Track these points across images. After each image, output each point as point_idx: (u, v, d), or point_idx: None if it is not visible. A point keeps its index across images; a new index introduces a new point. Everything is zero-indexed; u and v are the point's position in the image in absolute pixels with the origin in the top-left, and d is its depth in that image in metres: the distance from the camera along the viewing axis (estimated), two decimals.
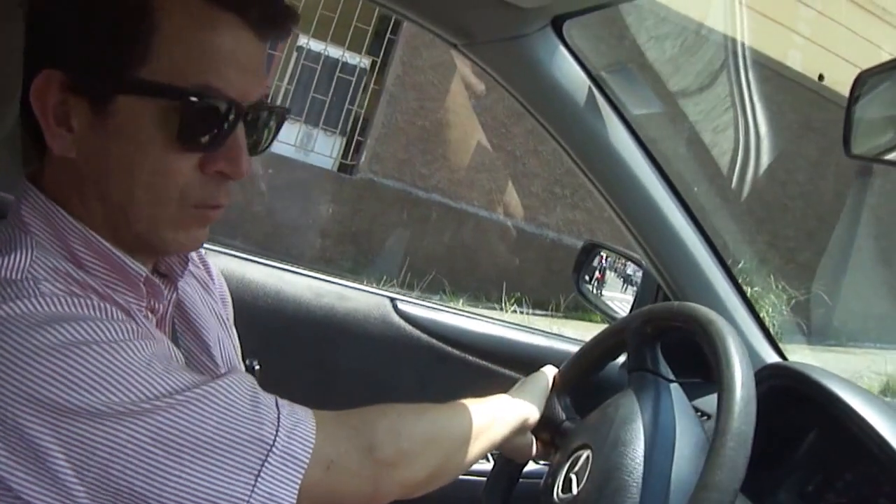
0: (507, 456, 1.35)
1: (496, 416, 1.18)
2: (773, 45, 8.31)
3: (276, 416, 0.86)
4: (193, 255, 1.16)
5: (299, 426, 0.87)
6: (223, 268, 1.71)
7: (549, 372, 1.35)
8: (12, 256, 0.83)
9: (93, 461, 0.76)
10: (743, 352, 1.00)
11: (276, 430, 0.85)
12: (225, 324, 1.18)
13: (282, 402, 0.89)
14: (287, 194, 8.00)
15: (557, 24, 1.36)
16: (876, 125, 1.06)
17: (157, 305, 0.98)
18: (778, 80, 8.15)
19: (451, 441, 1.09)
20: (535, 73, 1.41)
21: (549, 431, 1.29)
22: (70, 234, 0.88)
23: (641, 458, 1.04)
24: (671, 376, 1.17)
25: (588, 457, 1.12)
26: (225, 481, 0.81)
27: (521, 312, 7.68)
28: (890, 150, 1.06)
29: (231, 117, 0.88)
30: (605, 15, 7.27)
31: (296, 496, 0.84)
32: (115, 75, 0.84)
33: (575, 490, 1.10)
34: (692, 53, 7.84)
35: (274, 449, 0.84)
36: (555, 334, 2.01)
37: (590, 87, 1.43)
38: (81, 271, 0.88)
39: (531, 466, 1.43)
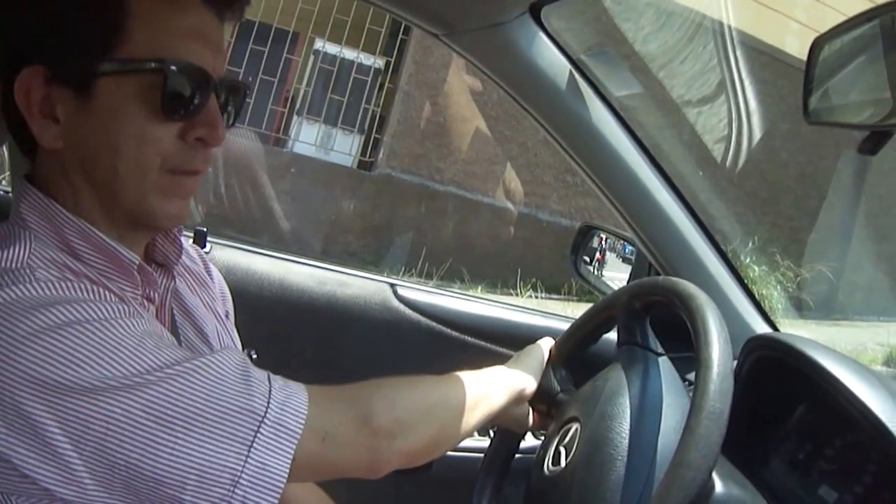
0: (504, 427, 1.34)
1: (493, 386, 1.16)
2: (770, 32, 8.24)
3: (267, 388, 0.86)
4: (191, 251, 1.18)
5: (291, 399, 0.87)
6: (230, 260, 1.73)
7: (545, 344, 1.33)
8: (11, 249, 0.84)
9: (89, 435, 0.76)
10: (721, 328, 0.97)
11: (268, 402, 0.84)
12: (222, 319, 1.18)
13: (274, 377, 0.89)
14: (310, 192, 8.03)
15: (535, 11, 1.33)
16: (834, 89, 1.02)
17: (152, 294, 0.99)
18: (776, 65, 8.08)
19: (448, 410, 1.07)
20: (517, 60, 1.39)
21: (545, 403, 1.27)
22: (66, 227, 0.89)
23: (627, 432, 1.02)
24: (660, 350, 1.15)
25: (577, 430, 1.10)
26: (218, 452, 0.80)
27: (536, 297, 7.68)
28: (847, 112, 1.02)
29: (206, 87, 0.92)
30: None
31: (288, 467, 0.83)
32: (96, 60, 0.86)
33: (563, 463, 1.08)
34: (690, 41, 7.78)
35: (266, 420, 0.83)
36: (550, 313, 1.99)
37: (571, 71, 1.40)
38: (78, 262, 0.89)
39: (529, 442, 1.41)
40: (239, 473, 0.81)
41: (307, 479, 0.90)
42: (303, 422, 0.85)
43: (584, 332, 1.31)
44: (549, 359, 1.31)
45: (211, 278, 1.20)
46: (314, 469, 0.90)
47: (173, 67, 0.88)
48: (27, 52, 0.87)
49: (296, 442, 0.84)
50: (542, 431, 1.31)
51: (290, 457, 0.83)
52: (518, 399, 1.22)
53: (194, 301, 1.10)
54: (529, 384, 1.24)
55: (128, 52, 0.87)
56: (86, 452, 0.76)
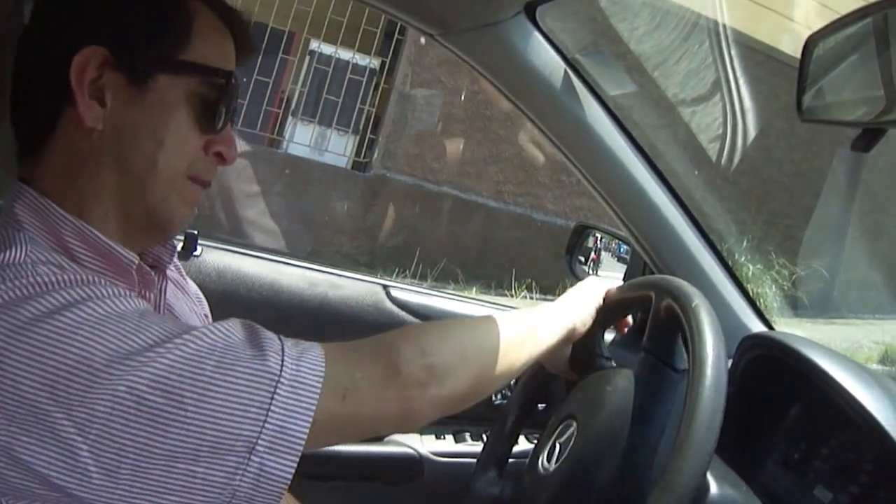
0: (541, 362, 1.24)
1: (538, 324, 1.11)
2: (765, 30, 8.26)
3: (279, 346, 0.83)
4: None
5: (307, 354, 0.83)
6: (220, 262, 1.72)
7: (601, 284, 1.26)
8: (8, 252, 0.83)
9: (94, 418, 0.74)
10: (716, 330, 0.95)
11: (282, 360, 0.81)
12: (204, 322, 1.18)
13: (284, 337, 0.86)
14: (304, 193, 8.03)
15: (531, 10, 1.33)
16: (827, 87, 1.02)
17: (148, 295, 0.98)
18: (771, 63, 8.10)
19: (487, 351, 1.02)
20: (512, 60, 1.38)
21: (583, 357, 1.22)
22: (63, 227, 0.88)
23: (624, 448, 1.00)
24: (683, 366, 1.07)
25: (574, 431, 1.09)
26: (234, 419, 0.77)
27: (531, 298, 7.68)
28: (841, 110, 1.02)
29: (234, 107, 0.99)
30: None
31: (308, 427, 0.80)
32: (160, 56, 0.91)
33: (557, 462, 1.07)
34: (685, 40, 7.80)
35: (282, 379, 0.80)
36: None
37: (566, 71, 1.40)
38: (74, 263, 0.87)
39: (522, 446, 1.40)
40: (256, 439, 0.78)
41: (331, 442, 0.86)
42: (321, 376, 0.82)
43: (624, 299, 1.23)
44: (602, 303, 1.23)
45: (186, 283, 1.20)
46: (337, 429, 0.86)
47: (234, 80, 0.95)
48: (96, 33, 0.89)
49: (316, 398, 0.81)
50: (534, 434, 1.30)
51: (310, 416, 0.80)
52: (568, 338, 1.16)
53: (180, 304, 1.10)
54: (581, 321, 1.18)
55: (190, 57, 0.92)
56: (91, 436, 0.74)
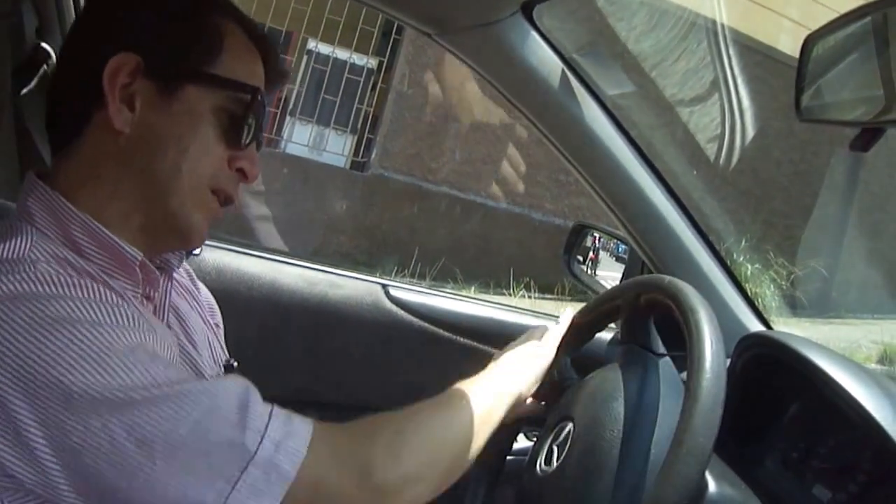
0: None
1: (496, 398, 1.11)
2: (763, 30, 8.27)
3: (264, 423, 0.82)
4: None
5: (291, 438, 0.83)
6: (220, 261, 1.72)
7: (555, 332, 1.28)
8: (13, 241, 0.84)
9: (67, 444, 0.75)
10: (715, 329, 0.95)
11: (262, 439, 0.80)
12: (213, 329, 1.17)
13: (278, 411, 0.85)
14: (302, 193, 8.02)
15: (528, 10, 1.33)
16: (825, 87, 1.02)
17: (152, 293, 0.99)
18: (769, 63, 8.11)
19: (457, 441, 1.02)
20: (509, 59, 1.38)
21: (545, 390, 1.24)
22: (71, 222, 0.89)
23: (619, 439, 1.00)
24: (661, 350, 1.12)
25: (570, 430, 1.09)
26: (197, 486, 0.77)
27: (529, 297, 7.67)
28: (840, 109, 1.03)
29: (262, 127, 1.01)
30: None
31: None
32: (190, 67, 0.94)
33: (555, 464, 1.07)
34: (683, 40, 7.81)
35: (256, 459, 0.79)
36: (542, 313, 1.98)
37: (563, 70, 1.39)
38: (80, 258, 0.89)
39: (521, 444, 1.40)
40: None
41: None
42: (298, 465, 0.81)
43: (590, 320, 1.28)
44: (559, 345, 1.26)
45: (198, 290, 1.20)
46: None
47: (261, 98, 0.98)
48: (130, 41, 0.92)
49: (286, 485, 0.80)
50: (533, 431, 1.29)
51: (277, 502, 0.80)
52: (517, 402, 1.16)
53: (185, 308, 1.10)
54: (527, 388, 1.19)
55: (220, 71, 0.96)
56: (63, 460, 0.75)
